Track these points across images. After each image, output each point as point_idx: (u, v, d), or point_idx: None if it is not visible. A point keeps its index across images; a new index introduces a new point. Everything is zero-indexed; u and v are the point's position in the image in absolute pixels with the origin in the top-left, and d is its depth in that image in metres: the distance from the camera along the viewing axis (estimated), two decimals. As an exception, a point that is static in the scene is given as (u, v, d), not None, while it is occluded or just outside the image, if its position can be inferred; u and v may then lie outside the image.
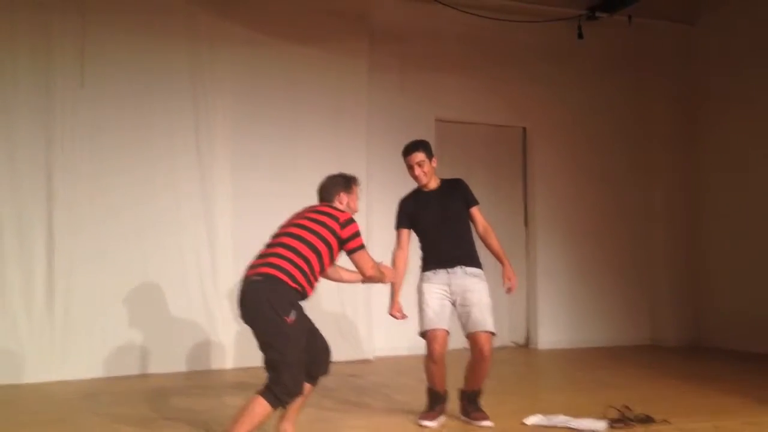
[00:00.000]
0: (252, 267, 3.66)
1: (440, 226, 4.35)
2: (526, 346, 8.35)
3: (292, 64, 7.09)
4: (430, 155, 4.42)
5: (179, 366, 6.39)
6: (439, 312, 4.26)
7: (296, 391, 3.49)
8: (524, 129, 8.56)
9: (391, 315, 4.38)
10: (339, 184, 3.99)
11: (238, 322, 6.57)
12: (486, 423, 4.25)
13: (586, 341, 8.26)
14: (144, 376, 6.14)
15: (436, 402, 4.34)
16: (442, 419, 4.34)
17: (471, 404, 4.35)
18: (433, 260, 4.36)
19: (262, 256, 3.68)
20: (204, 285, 6.62)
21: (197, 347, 6.52)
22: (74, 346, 6.05)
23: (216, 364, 6.55)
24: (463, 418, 4.38)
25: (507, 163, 8.53)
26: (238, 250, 6.66)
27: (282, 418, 3.71)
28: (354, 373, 6.23)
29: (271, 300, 3.47)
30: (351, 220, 3.78)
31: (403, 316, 4.35)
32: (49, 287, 6.03)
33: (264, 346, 3.51)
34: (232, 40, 6.86)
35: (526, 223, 8.50)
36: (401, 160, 4.48)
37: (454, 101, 7.98)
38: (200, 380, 6.02)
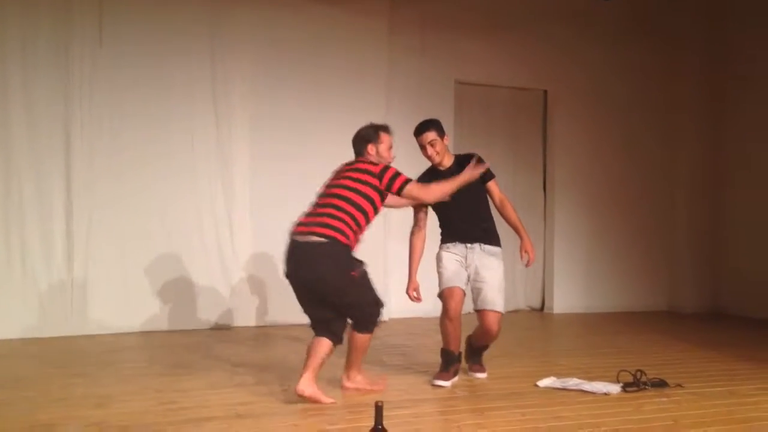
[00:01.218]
0: (303, 224, 3.92)
1: (458, 206, 4.32)
2: (542, 310, 8.37)
3: (310, 25, 7.02)
4: (441, 133, 4.39)
5: (198, 323, 6.49)
6: (456, 272, 4.36)
7: (380, 309, 4.00)
8: (545, 92, 8.46)
9: (408, 294, 4.46)
10: (364, 136, 4.12)
11: (255, 281, 6.71)
12: (480, 375, 4.51)
13: (603, 306, 8.26)
14: (162, 333, 6.24)
15: (450, 362, 4.39)
16: (455, 380, 4.39)
17: (473, 357, 4.58)
18: (452, 236, 4.44)
19: (313, 215, 3.94)
20: (221, 244, 6.67)
21: (215, 304, 6.60)
22: (94, 301, 6.15)
23: (234, 321, 6.64)
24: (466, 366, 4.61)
25: (527, 126, 8.45)
26: (254, 210, 6.72)
27: (303, 373, 3.80)
28: (370, 333, 6.29)
29: (340, 262, 3.84)
30: (386, 168, 3.99)
31: (419, 299, 4.44)
32: (68, 242, 6.11)
33: (338, 300, 3.89)
34: (250, -1, 6.81)
35: (544, 187, 8.46)
36: (421, 122, 4.46)
37: (475, 63, 7.88)
38: (219, 337, 6.12)
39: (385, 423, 2.81)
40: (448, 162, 4.43)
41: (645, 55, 8.46)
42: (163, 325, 6.36)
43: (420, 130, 4.38)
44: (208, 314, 6.57)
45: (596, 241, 8.36)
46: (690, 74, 8.43)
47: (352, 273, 3.86)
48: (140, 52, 6.40)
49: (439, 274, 4.41)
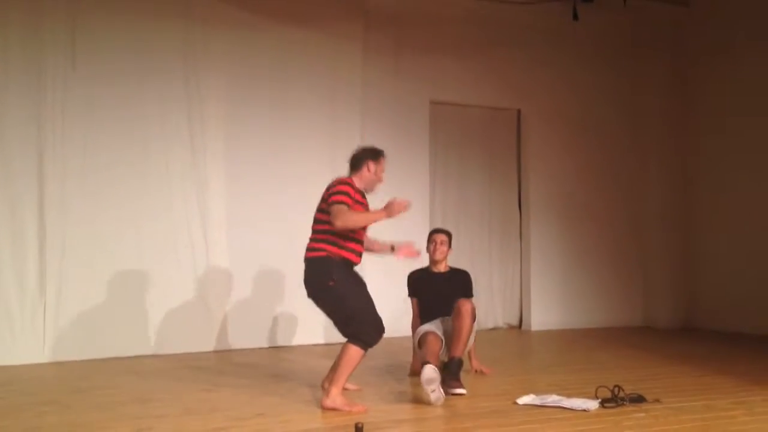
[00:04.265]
0: None
1: (438, 305, 5.10)
2: (519, 327, 8.40)
3: (285, 46, 7.05)
4: (450, 242, 5.32)
5: (173, 346, 6.39)
6: (429, 326, 5.00)
7: (376, 328, 4.08)
8: (519, 111, 8.55)
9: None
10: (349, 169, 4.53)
11: (231, 302, 6.65)
12: (459, 390, 4.50)
13: (579, 323, 8.31)
14: (136, 358, 6.14)
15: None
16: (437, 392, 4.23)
17: (450, 375, 4.58)
18: (427, 319, 5.18)
19: None
20: (196, 265, 6.61)
21: (190, 329, 6.51)
22: (67, 328, 6.04)
23: (209, 346, 6.56)
24: (443, 387, 4.50)
25: (501, 146, 8.53)
26: (231, 231, 6.67)
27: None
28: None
29: (313, 276, 4.18)
30: (335, 192, 4.15)
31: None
32: (41, 268, 6.00)
33: (330, 313, 4.22)
34: (225, 21, 6.80)
35: (520, 205, 8.52)
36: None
37: (449, 83, 7.96)
38: (194, 361, 6.04)
39: (365, 445, 2.79)
40: (443, 267, 5.33)
41: (616, 74, 8.61)
42: (138, 349, 6.26)
43: (436, 230, 5.46)
44: (183, 337, 6.47)
45: (572, 258, 8.42)
46: (659, 91, 8.59)
47: (329, 283, 4.11)
48: (114, 74, 6.35)
49: (416, 334, 5.08)
